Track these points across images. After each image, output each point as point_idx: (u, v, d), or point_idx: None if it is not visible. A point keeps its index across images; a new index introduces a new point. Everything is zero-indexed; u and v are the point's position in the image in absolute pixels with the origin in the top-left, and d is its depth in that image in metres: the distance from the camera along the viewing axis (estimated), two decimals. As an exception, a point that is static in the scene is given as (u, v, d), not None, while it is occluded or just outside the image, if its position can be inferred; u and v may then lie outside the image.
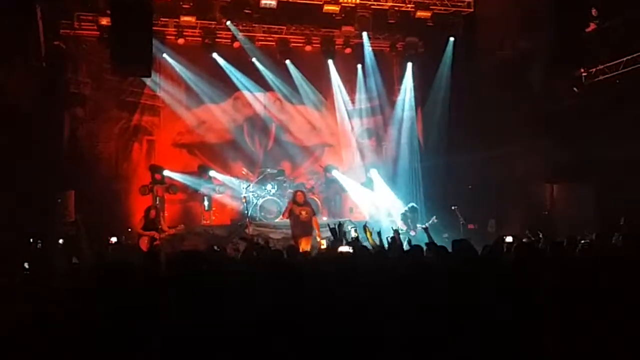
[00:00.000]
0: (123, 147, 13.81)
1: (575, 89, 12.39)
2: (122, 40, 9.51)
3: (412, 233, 11.40)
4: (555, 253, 6.45)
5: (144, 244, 10.53)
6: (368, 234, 7.88)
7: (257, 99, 14.93)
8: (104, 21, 12.23)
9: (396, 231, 7.98)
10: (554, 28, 11.95)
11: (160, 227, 10.62)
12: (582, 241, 7.46)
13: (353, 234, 9.95)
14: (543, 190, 13.09)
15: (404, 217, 11.95)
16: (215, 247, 8.04)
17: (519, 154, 12.85)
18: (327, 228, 8.35)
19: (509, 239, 7.86)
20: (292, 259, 6.38)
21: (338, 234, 7.65)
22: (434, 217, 11.86)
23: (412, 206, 12.32)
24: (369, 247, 7.39)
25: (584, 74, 12.39)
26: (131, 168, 13.95)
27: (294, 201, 10.56)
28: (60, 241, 10.95)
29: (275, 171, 14.29)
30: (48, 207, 11.38)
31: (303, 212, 10.40)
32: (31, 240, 10.70)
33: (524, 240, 8.40)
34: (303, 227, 10.37)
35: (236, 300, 4.18)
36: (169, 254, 6.60)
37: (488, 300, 4.30)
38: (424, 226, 9.72)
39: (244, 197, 13.53)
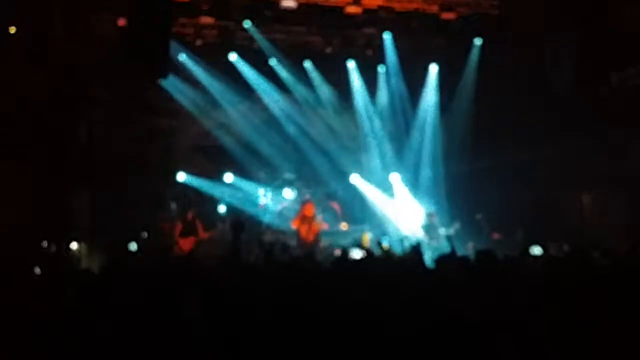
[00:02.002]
0: (139, 150, 13.72)
1: (605, 92, 12.10)
2: (140, 41, 9.41)
3: (435, 244, 11.19)
4: (584, 266, 6.22)
5: (184, 247, 10.69)
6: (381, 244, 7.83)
7: (275, 101, 14.74)
8: (122, 22, 12.18)
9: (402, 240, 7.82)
10: (583, 31, 11.77)
11: (197, 231, 10.85)
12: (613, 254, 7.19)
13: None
14: (572, 199, 12.76)
15: (425, 227, 11.80)
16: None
17: (547, 161, 12.56)
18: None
19: (536, 250, 7.64)
20: (311, 265, 6.34)
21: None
22: (457, 223, 11.67)
23: (430, 212, 12.17)
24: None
25: (614, 77, 12.08)
26: (148, 171, 13.86)
27: (303, 215, 11.76)
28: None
29: (293, 176, 14.21)
30: (62, 211, 11.30)
31: (313, 224, 11.63)
32: (46, 244, 10.69)
33: (551, 251, 8.16)
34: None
35: (251, 305, 4.20)
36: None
37: (509, 315, 4.21)
38: (446, 234, 9.49)
39: (262, 202, 13.41)
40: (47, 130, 11.32)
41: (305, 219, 11.72)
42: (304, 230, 11.57)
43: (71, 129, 12.31)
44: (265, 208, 13.45)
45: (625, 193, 11.85)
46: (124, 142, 13.25)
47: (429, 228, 11.76)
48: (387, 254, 7.35)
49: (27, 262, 8.63)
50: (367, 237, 12.02)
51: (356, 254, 7.93)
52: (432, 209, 12.62)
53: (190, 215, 11.00)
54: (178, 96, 13.91)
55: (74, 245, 11.21)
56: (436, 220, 12.20)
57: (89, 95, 12.82)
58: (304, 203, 12.15)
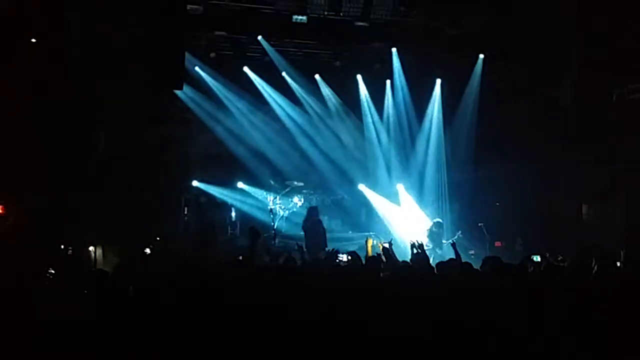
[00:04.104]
0: (153, 157, 13.96)
1: (606, 106, 12.26)
2: (156, 52, 9.67)
3: (439, 251, 11.35)
4: (582, 275, 6.39)
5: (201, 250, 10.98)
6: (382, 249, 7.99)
7: (285, 112, 15.02)
8: (138, 34, 12.45)
9: (413, 245, 7.98)
10: (586, 46, 11.88)
11: (214, 235, 11.08)
12: (617, 262, 7.36)
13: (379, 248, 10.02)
14: (572, 209, 12.91)
15: (430, 233, 11.92)
16: (240, 257, 8.12)
17: (548, 171, 12.72)
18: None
19: (536, 258, 7.79)
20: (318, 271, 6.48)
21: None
22: (459, 232, 11.80)
23: (438, 221, 12.28)
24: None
25: (615, 91, 12.25)
26: (161, 178, 14.10)
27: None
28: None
29: (302, 184, 14.47)
30: (79, 215, 11.54)
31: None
32: (62, 246, 10.92)
33: (550, 259, 8.31)
34: None
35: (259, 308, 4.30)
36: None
37: (507, 319, 4.37)
38: (451, 242, 9.68)
39: (271, 208, 13.68)
40: (65, 137, 11.57)
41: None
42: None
43: (88, 136, 12.56)
44: (273, 214, 13.70)
45: (624, 204, 12.01)
46: (139, 149, 13.48)
47: (434, 236, 11.87)
48: (392, 258, 7.51)
49: (43, 264, 8.94)
50: (371, 242, 12.17)
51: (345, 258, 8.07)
52: (439, 219, 12.76)
53: (208, 219, 11.26)
54: (192, 106, 14.22)
55: (90, 249, 11.45)
56: (442, 230, 12.32)
57: (106, 104, 13.10)
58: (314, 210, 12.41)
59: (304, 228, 12.58)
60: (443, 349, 4.04)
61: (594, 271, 6.47)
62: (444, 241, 11.79)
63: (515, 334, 4.22)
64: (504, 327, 4.28)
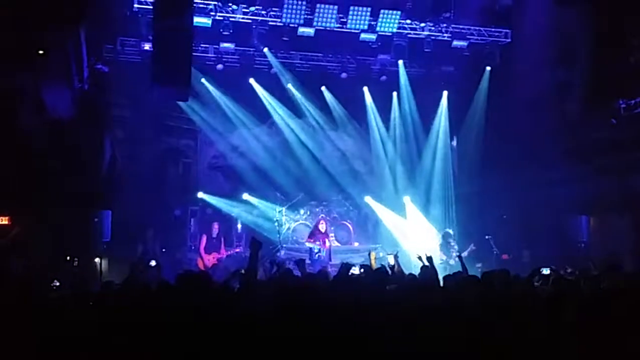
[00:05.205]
0: (160, 169, 14.01)
1: (613, 120, 12.24)
2: (163, 65, 9.71)
3: (452, 262, 11.29)
4: (590, 288, 6.34)
5: (207, 262, 10.96)
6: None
7: (291, 125, 15.03)
8: (146, 46, 12.56)
9: (420, 258, 7.91)
10: (592, 59, 11.89)
11: (220, 247, 11.10)
12: (625, 275, 7.30)
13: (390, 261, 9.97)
14: (579, 222, 12.85)
15: (442, 246, 11.88)
16: (242, 271, 8.06)
17: (554, 185, 12.68)
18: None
19: (545, 271, 7.73)
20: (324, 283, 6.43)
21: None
22: (472, 244, 11.73)
23: (446, 232, 12.22)
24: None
25: (622, 105, 12.24)
26: (168, 190, 14.14)
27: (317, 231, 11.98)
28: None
29: (307, 196, 14.44)
30: (85, 226, 11.55)
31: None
32: (68, 258, 10.92)
33: (558, 272, 8.26)
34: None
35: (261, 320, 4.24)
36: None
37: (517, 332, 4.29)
38: (459, 254, 9.62)
39: (277, 220, 13.66)
40: (72, 148, 11.62)
41: (318, 236, 11.90)
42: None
43: (96, 147, 12.61)
44: (279, 226, 13.66)
45: (631, 216, 11.96)
46: (145, 161, 13.51)
47: (446, 248, 11.80)
48: (398, 271, 7.48)
49: (47, 275, 8.94)
50: (374, 255, 12.12)
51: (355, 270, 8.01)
52: (450, 229, 12.68)
53: (215, 230, 11.28)
54: (197, 118, 14.26)
55: (96, 260, 11.45)
56: (453, 240, 12.25)
57: (113, 115, 13.15)
58: (318, 221, 12.34)
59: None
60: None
61: (602, 284, 6.44)
62: (453, 254, 11.72)
63: (523, 347, 4.17)
64: (512, 339, 4.22)
